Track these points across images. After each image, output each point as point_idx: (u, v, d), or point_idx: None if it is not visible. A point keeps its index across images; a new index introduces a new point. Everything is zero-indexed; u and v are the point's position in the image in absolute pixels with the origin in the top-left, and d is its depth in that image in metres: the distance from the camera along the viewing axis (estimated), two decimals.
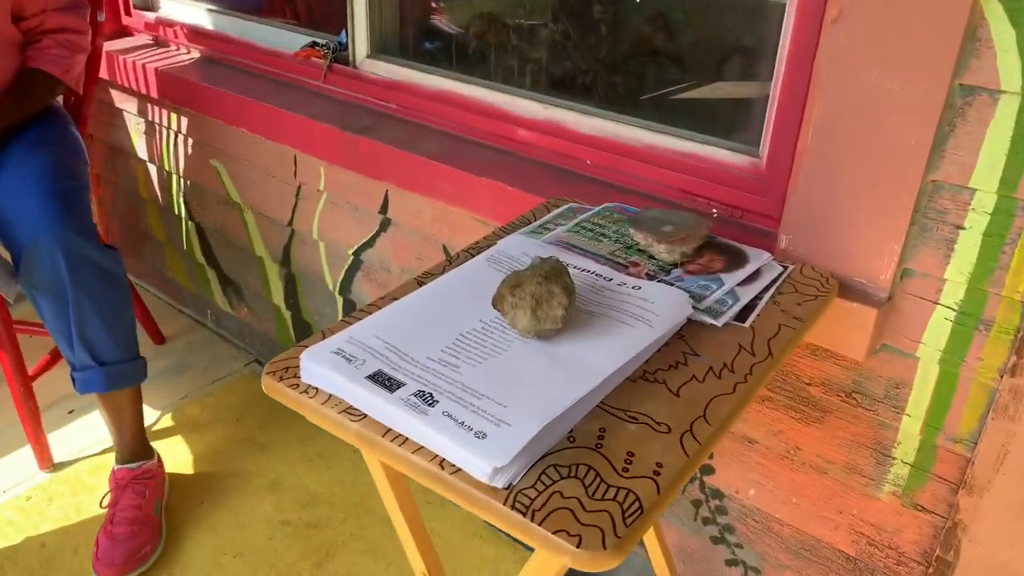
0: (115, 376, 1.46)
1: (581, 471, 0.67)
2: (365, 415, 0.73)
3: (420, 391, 0.72)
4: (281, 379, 0.79)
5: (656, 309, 0.84)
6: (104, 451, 1.74)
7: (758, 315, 0.88)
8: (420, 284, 0.91)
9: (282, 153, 1.68)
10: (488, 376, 0.74)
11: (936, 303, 0.95)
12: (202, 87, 1.74)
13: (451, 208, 1.40)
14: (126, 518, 1.45)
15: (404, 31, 1.60)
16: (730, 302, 0.89)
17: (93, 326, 1.39)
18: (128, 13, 2.05)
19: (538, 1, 1.46)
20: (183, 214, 2.06)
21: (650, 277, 0.92)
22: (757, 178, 1.12)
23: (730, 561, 1.29)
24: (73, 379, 1.46)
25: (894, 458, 1.06)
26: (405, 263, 1.57)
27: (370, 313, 0.85)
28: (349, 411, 0.74)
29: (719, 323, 0.86)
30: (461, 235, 1.42)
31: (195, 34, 1.89)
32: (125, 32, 2.07)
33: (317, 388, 0.76)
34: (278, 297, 1.93)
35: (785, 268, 0.97)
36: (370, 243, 1.62)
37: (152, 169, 2.08)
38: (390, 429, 0.71)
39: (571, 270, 0.92)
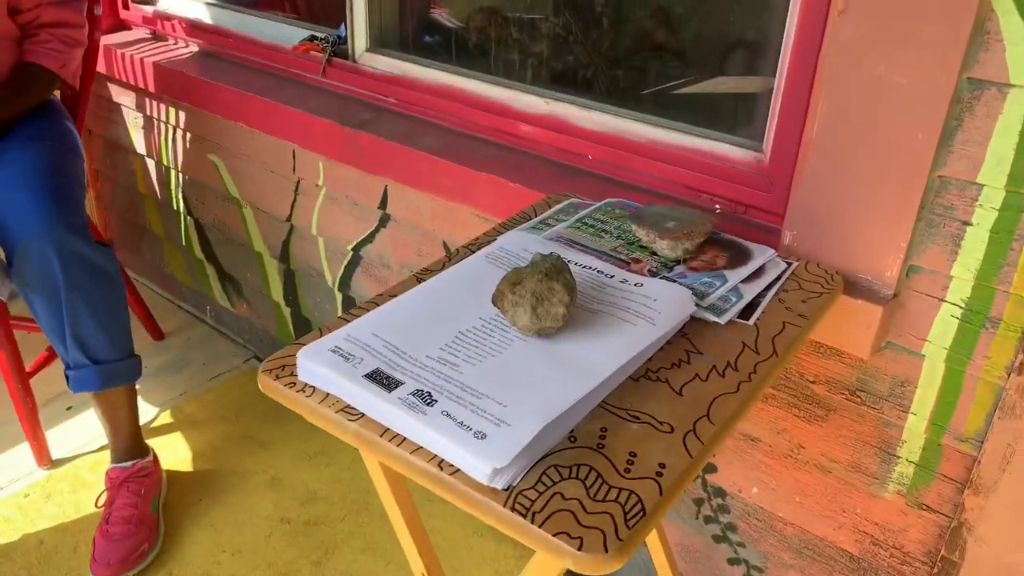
0: (109, 374, 1.45)
1: (582, 472, 0.66)
2: (363, 414, 0.72)
3: (419, 390, 0.70)
4: (278, 378, 0.77)
5: (658, 306, 0.83)
6: (102, 448, 1.72)
7: (762, 312, 0.87)
8: (419, 281, 0.90)
9: (281, 148, 1.67)
10: (488, 375, 0.73)
11: (942, 300, 0.94)
12: (200, 81, 1.72)
13: (451, 204, 1.39)
14: (122, 517, 1.44)
15: (404, 25, 1.59)
16: (734, 299, 0.88)
17: (86, 324, 1.38)
18: (126, 7, 2.03)
19: None
20: (182, 209, 2.05)
21: (652, 274, 0.91)
22: (761, 173, 1.11)
23: (732, 560, 1.28)
24: (67, 377, 1.45)
25: (899, 457, 1.04)
26: (405, 259, 1.56)
27: (368, 310, 0.83)
28: (347, 410, 0.72)
29: (722, 321, 0.84)
30: (461, 231, 1.41)
31: (193, 28, 1.87)
32: (123, 26, 2.05)
33: (314, 387, 0.75)
34: (277, 293, 1.92)
35: (789, 265, 0.96)
36: (369, 239, 1.61)
37: (151, 164, 2.07)
38: (388, 429, 0.70)
39: (572, 267, 0.90)
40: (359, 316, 0.82)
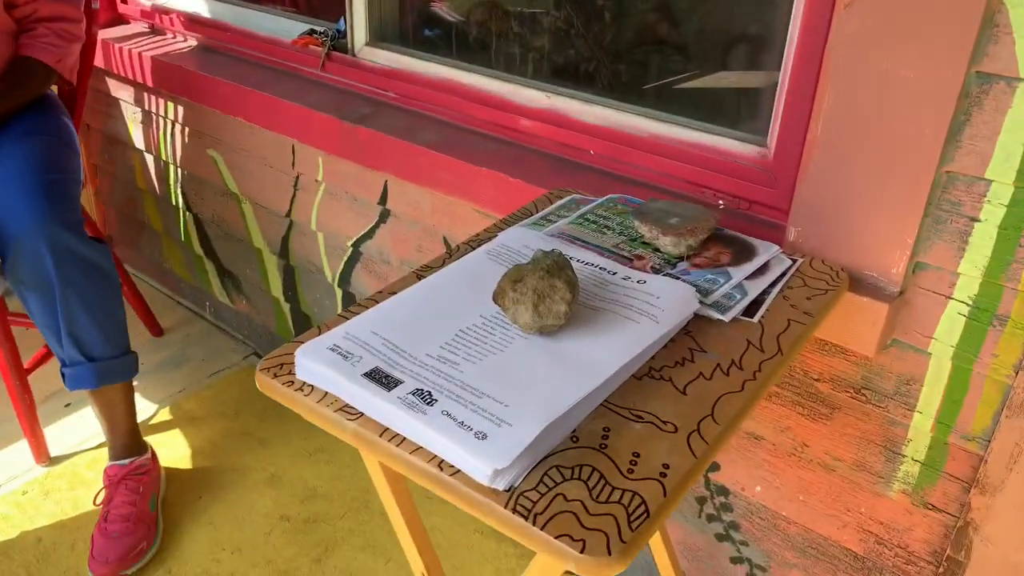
0: (105, 372, 1.44)
1: (585, 472, 0.65)
2: (362, 414, 0.71)
3: (418, 389, 0.69)
4: (276, 376, 0.76)
5: (662, 304, 0.81)
6: (101, 445, 1.71)
7: (767, 310, 0.86)
8: (419, 278, 0.89)
9: (280, 143, 1.66)
10: (488, 374, 0.71)
11: (949, 298, 0.93)
12: (199, 75, 1.71)
13: (451, 199, 1.38)
14: (120, 515, 1.43)
15: (404, 18, 1.57)
16: (738, 296, 0.86)
17: (81, 322, 1.37)
18: (124, 1, 2.02)
19: None
20: (181, 205, 2.04)
21: (655, 271, 0.90)
22: (765, 168, 1.10)
23: (735, 559, 1.27)
24: (63, 375, 1.44)
25: (904, 456, 1.03)
26: (405, 255, 1.55)
27: (367, 308, 0.82)
28: (346, 409, 0.71)
29: (727, 318, 0.83)
30: (461, 227, 1.39)
31: (191, 21, 1.86)
32: (121, 20, 2.04)
33: (313, 386, 0.74)
34: (277, 289, 1.91)
35: (794, 261, 0.95)
36: (369, 234, 1.60)
37: (149, 159, 2.06)
38: (388, 428, 0.69)
39: (574, 263, 0.89)
40: (358, 314, 0.81)
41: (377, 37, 1.57)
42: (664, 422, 0.70)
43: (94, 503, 1.52)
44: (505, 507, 0.62)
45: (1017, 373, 0.91)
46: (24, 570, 1.44)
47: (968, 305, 0.92)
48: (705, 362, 0.78)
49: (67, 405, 1.84)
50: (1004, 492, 0.95)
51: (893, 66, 0.86)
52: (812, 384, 1.08)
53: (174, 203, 2.06)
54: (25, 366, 1.63)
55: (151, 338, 2.09)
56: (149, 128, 1.99)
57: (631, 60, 1.33)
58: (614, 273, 0.87)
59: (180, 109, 1.86)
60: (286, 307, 1.91)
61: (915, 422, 1.01)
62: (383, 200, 1.52)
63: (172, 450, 1.72)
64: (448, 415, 0.66)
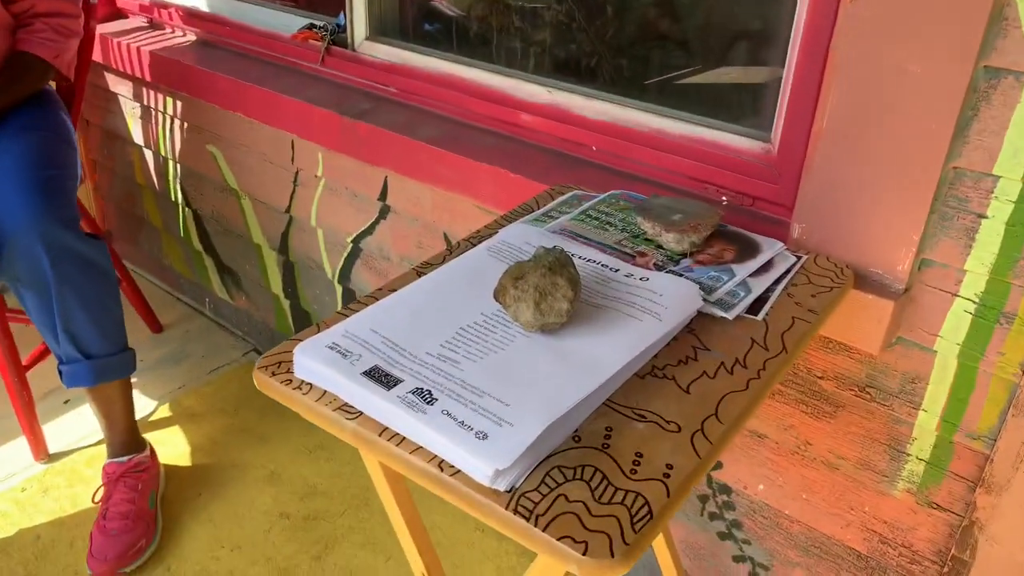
0: (102, 369, 1.43)
1: (587, 473, 0.64)
2: (361, 413, 0.70)
3: (418, 388, 0.68)
4: (274, 375, 0.76)
5: (665, 301, 0.80)
6: (100, 442, 1.70)
7: (771, 307, 0.85)
8: (419, 275, 0.88)
9: (279, 138, 1.65)
10: (489, 372, 0.70)
11: (955, 295, 0.92)
12: (197, 70, 1.70)
13: (452, 195, 1.37)
14: (119, 512, 1.42)
15: (404, 12, 1.56)
16: (742, 294, 0.85)
17: (78, 319, 1.36)
18: None
19: None
20: (180, 200, 2.03)
21: (658, 268, 0.89)
22: (769, 164, 1.09)
23: (737, 557, 1.26)
24: (60, 372, 1.43)
25: (909, 454, 1.02)
26: (405, 251, 1.54)
27: (367, 305, 0.81)
28: (345, 408, 0.70)
29: (730, 316, 0.82)
30: (462, 223, 1.38)
31: (190, 16, 1.84)
32: (119, 14, 2.03)
33: (311, 384, 0.73)
34: (276, 285, 1.90)
35: (798, 258, 0.94)
36: (369, 230, 1.59)
37: (148, 155, 2.05)
38: (387, 428, 0.68)
39: (576, 260, 0.88)
40: (357, 311, 0.80)
41: (377, 32, 1.56)
42: (667, 421, 0.69)
43: (93, 501, 1.52)
44: (506, 508, 0.61)
45: None
46: (23, 568, 1.44)
47: (974, 303, 0.91)
48: (709, 360, 0.77)
49: (66, 402, 1.83)
50: (1010, 491, 0.94)
51: (900, 60, 0.85)
52: (816, 382, 1.07)
53: (173, 199, 2.05)
54: (23, 363, 1.63)
55: (150, 335, 2.08)
56: (148, 123, 1.98)
57: (633, 55, 1.31)
58: (616, 270, 0.86)
59: (179, 104, 1.85)
60: (286, 303, 1.90)
61: (920, 421, 1.00)
62: (383, 196, 1.51)
63: (171, 447, 1.72)
64: (448, 414, 0.65)
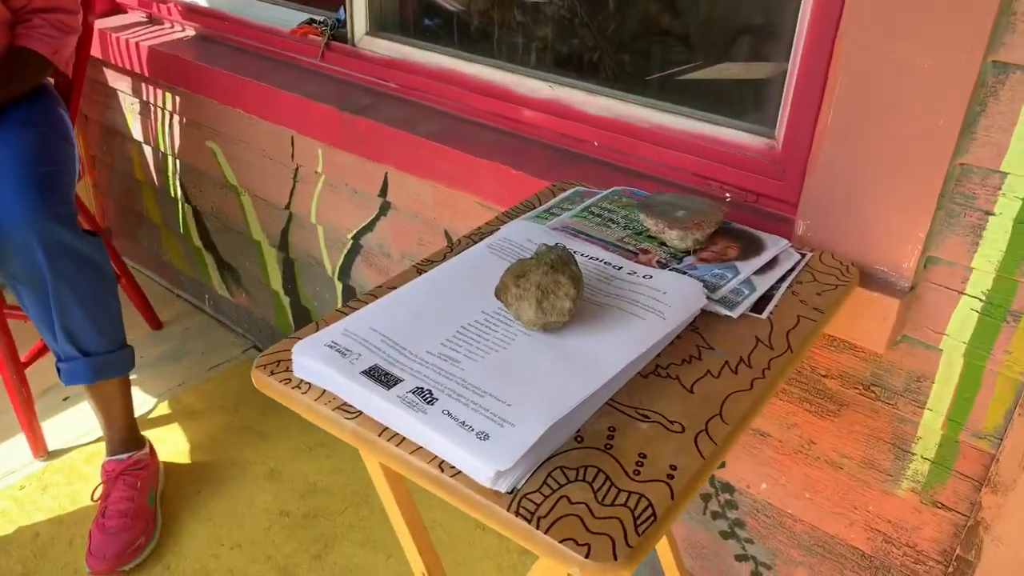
0: (100, 367, 1.42)
1: (590, 474, 0.63)
2: (361, 412, 0.69)
3: (418, 388, 0.67)
4: (272, 373, 0.75)
5: (668, 300, 0.79)
6: (99, 439, 1.69)
7: (775, 306, 0.84)
8: (420, 272, 0.87)
9: (279, 134, 1.64)
10: (491, 372, 0.69)
11: (962, 293, 0.91)
12: (196, 66, 1.69)
13: (453, 191, 1.36)
14: (118, 511, 1.42)
15: (404, 7, 1.55)
16: (746, 292, 0.84)
17: (75, 316, 1.35)
18: None
19: None
20: (179, 196, 2.02)
21: (661, 265, 0.88)
22: (773, 160, 1.08)
23: (740, 556, 1.25)
24: (58, 370, 1.43)
25: (914, 454, 1.01)
26: (405, 248, 1.53)
27: (367, 303, 0.80)
28: (344, 408, 0.70)
29: (735, 314, 0.81)
30: (463, 219, 1.37)
31: (189, 11, 1.83)
32: (118, 9, 2.01)
33: (310, 383, 0.72)
34: (276, 282, 1.89)
35: (803, 256, 0.93)
36: (369, 227, 1.58)
37: (147, 151, 2.04)
38: (387, 428, 0.67)
39: (578, 258, 0.87)
40: (357, 309, 0.79)
41: (377, 26, 1.55)
42: (671, 422, 0.68)
43: (92, 498, 1.51)
44: (507, 510, 0.60)
45: None
46: (21, 565, 1.43)
47: (981, 301, 0.90)
48: (713, 359, 0.76)
49: (65, 399, 1.82)
50: (1016, 491, 0.93)
51: (907, 55, 0.84)
52: (820, 380, 1.06)
53: (173, 195, 2.04)
54: (22, 359, 1.62)
55: (150, 331, 2.08)
56: (147, 119, 1.97)
57: (636, 50, 1.30)
58: (619, 268, 0.85)
59: (178, 100, 1.84)
60: (286, 300, 1.89)
61: (925, 419, 0.99)
62: (383, 192, 1.50)
63: (171, 444, 1.71)
64: (449, 414, 0.65)
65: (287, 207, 1.73)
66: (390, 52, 1.50)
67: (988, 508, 0.96)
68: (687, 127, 1.16)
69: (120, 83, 1.98)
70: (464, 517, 1.54)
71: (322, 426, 0.71)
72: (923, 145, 0.86)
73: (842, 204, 0.94)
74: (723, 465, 1.20)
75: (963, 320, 0.92)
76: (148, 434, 1.62)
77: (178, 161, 1.96)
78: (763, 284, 0.86)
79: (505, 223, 0.97)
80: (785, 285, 0.87)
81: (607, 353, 0.72)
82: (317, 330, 0.76)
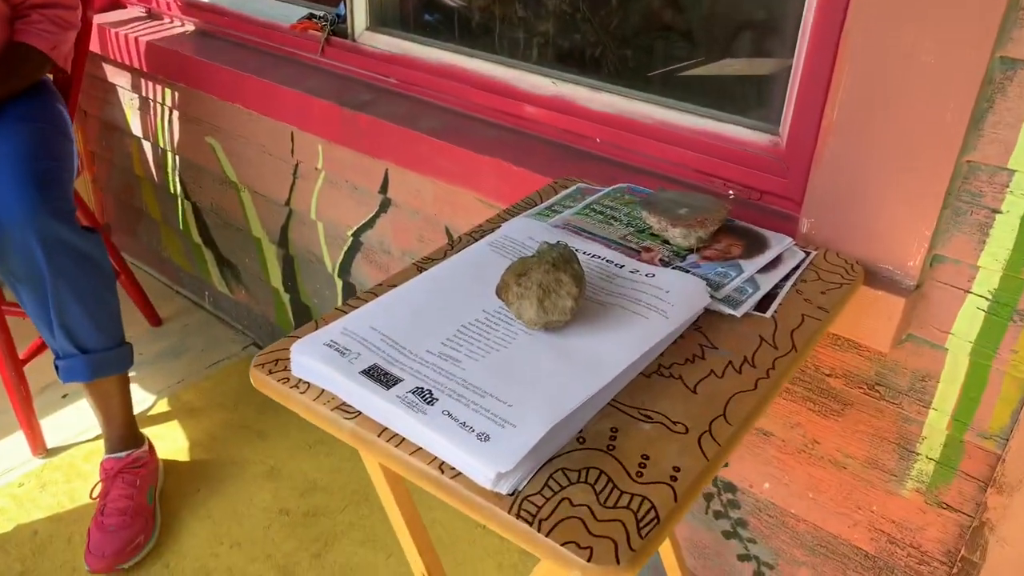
0: (99, 364, 1.41)
1: (592, 476, 0.62)
2: (360, 412, 0.68)
3: (418, 388, 0.66)
4: (271, 372, 0.74)
5: (671, 298, 0.78)
6: (98, 436, 1.68)
7: (780, 304, 0.83)
8: (420, 270, 0.86)
9: (279, 130, 1.63)
10: (491, 371, 0.69)
11: (968, 292, 0.90)
12: (196, 61, 1.68)
13: (454, 188, 1.35)
14: (117, 509, 1.41)
15: (405, 2, 1.54)
16: (750, 290, 0.83)
17: (73, 313, 1.34)
18: None
19: None
20: (179, 192, 2.01)
21: (664, 263, 0.87)
22: (777, 157, 1.06)
23: (742, 556, 1.24)
24: (56, 367, 1.42)
25: (918, 454, 1.00)
26: (406, 245, 1.52)
27: (366, 302, 0.79)
28: (343, 408, 0.69)
29: (738, 313, 0.80)
30: (464, 216, 1.36)
31: (189, 6, 1.82)
32: (118, 4, 2.00)
33: (309, 383, 0.71)
34: (276, 279, 1.88)
35: (807, 254, 0.92)
36: (370, 224, 1.57)
37: (147, 146, 2.03)
38: (386, 428, 0.66)
39: (580, 256, 0.86)
40: (356, 308, 0.78)
41: (378, 21, 1.54)
42: (674, 422, 0.67)
43: (91, 496, 1.50)
44: (508, 512, 0.59)
45: None
46: (20, 564, 1.42)
47: (987, 299, 0.89)
48: (716, 359, 0.75)
49: (64, 396, 1.81)
50: (1022, 492, 0.92)
51: (914, 50, 0.83)
52: (824, 379, 1.05)
53: (172, 191, 2.03)
54: (21, 356, 1.61)
55: (149, 328, 2.07)
56: (146, 114, 1.96)
57: (638, 45, 1.29)
58: (621, 266, 0.84)
59: (177, 95, 1.83)
60: (285, 297, 1.88)
61: (930, 419, 0.98)
62: (384, 189, 1.49)
63: (170, 442, 1.70)
64: (449, 415, 0.64)
65: (287, 203, 1.72)
66: (391, 47, 1.49)
67: (993, 509, 0.95)
68: (690, 123, 1.15)
69: (119, 78, 1.97)
70: (464, 516, 1.53)
71: (321, 426, 0.71)
72: (929, 142, 0.85)
73: (847, 201, 0.93)
74: (726, 464, 1.20)
75: (969, 319, 0.91)
76: (147, 431, 1.62)
77: (177, 157, 1.95)
78: (767, 282, 0.85)
79: (506, 220, 0.96)
80: (789, 283, 0.86)
81: (609, 353, 0.71)
82: (316, 329, 0.75)
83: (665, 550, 1.17)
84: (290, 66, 1.61)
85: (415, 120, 1.36)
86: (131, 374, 1.53)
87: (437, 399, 0.65)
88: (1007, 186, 0.84)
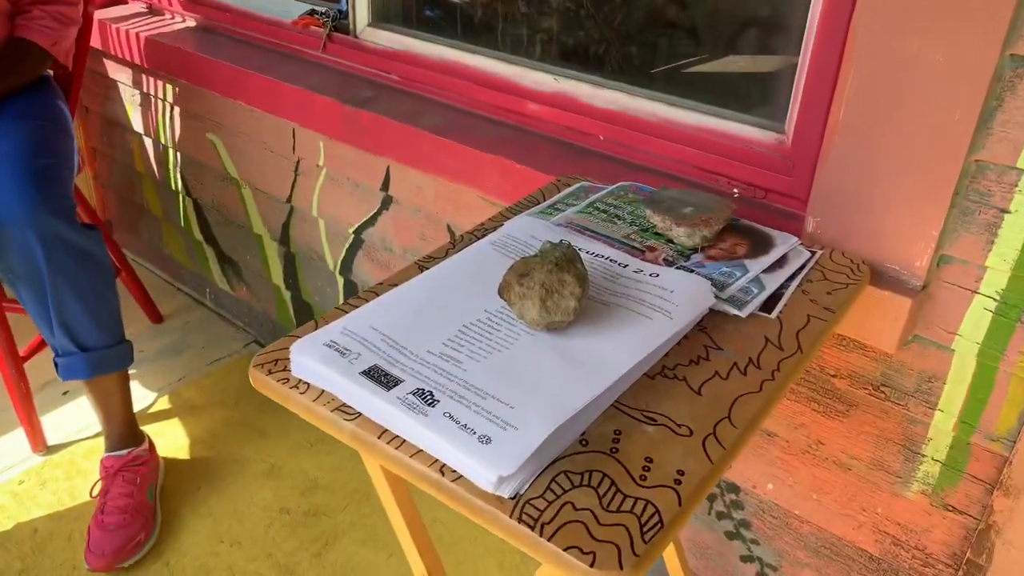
0: (98, 362, 1.40)
1: (595, 479, 0.61)
2: (360, 414, 0.67)
3: (419, 389, 0.66)
4: (270, 372, 0.73)
5: (675, 299, 0.78)
6: (99, 434, 1.67)
7: (785, 305, 0.82)
8: (421, 269, 0.85)
9: (280, 127, 1.62)
10: (493, 373, 0.68)
11: (975, 292, 0.89)
12: (197, 57, 1.67)
13: (455, 186, 1.34)
14: (117, 507, 1.40)
15: None
16: (755, 291, 0.82)
17: (73, 311, 1.34)
18: None
19: None
20: (180, 189, 2.00)
21: (668, 263, 0.86)
22: (782, 156, 1.05)
23: (745, 557, 1.24)
24: (56, 365, 1.41)
25: (924, 455, 1.00)
26: (408, 243, 1.51)
27: (367, 301, 0.78)
28: (343, 409, 0.68)
29: (743, 314, 0.79)
30: (466, 214, 1.35)
31: (190, 1, 1.81)
32: None
33: (309, 383, 0.71)
34: (277, 276, 1.87)
35: (813, 254, 0.91)
36: (371, 221, 1.56)
37: (148, 143, 2.02)
38: (387, 430, 0.65)
39: (583, 255, 0.85)
40: (357, 307, 0.77)
41: (380, 18, 1.53)
42: (678, 425, 0.67)
43: (90, 495, 1.50)
44: (510, 516, 0.58)
45: None
46: (20, 562, 1.42)
47: (995, 300, 0.88)
48: (721, 360, 0.74)
49: (65, 393, 1.81)
50: None
51: (922, 47, 0.82)
52: (829, 380, 1.04)
53: (173, 187, 2.02)
54: (21, 353, 1.61)
55: (150, 325, 2.06)
56: (148, 111, 1.95)
57: (642, 42, 1.28)
58: (625, 266, 0.83)
59: (179, 91, 1.82)
60: (287, 295, 1.88)
61: (936, 421, 0.97)
62: (385, 186, 1.48)
63: (171, 439, 1.69)
64: (450, 417, 0.63)
65: (288, 200, 1.72)
66: (392, 44, 1.48)
67: (1000, 512, 0.94)
68: (695, 121, 1.14)
69: (120, 74, 1.96)
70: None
71: (321, 427, 0.70)
72: (937, 141, 0.84)
73: (853, 201, 0.92)
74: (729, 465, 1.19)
75: (976, 320, 0.90)
76: (148, 429, 1.61)
77: (179, 153, 1.94)
78: (772, 283, 0.84)
79: (509, 218, 0.95)
80: (795, 284, 0.85)
81: (613, 354, 0.70)
82: (316, 328, 0.74)
83: (667, 551, 1.16)
84: (292, 62, 1.60)
85: (417, 117, 1.35)
86: (132, 371, 1.52)
87: (438, 401, 0.64)
88: (1016, 185, 0.83)
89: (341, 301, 1.73)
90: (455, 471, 0.61)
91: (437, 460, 0.62)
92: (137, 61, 1.81)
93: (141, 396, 1.80)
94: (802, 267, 0.88)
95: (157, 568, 1.41)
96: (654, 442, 0.65)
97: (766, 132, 1.08)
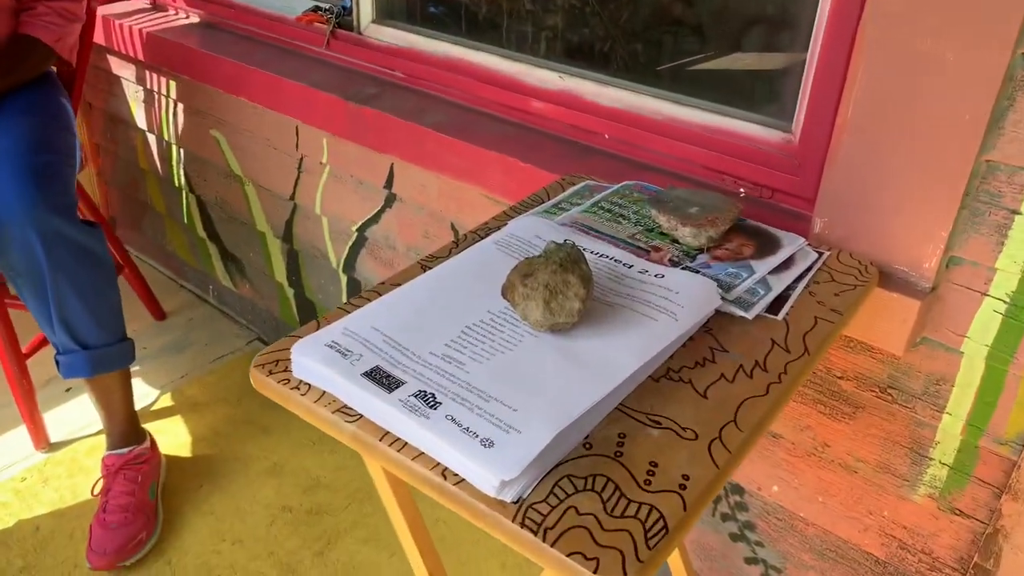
0: (100, 360, 1.40)
1: (599, 483, 0.60)
2: (361, 415, 0.66)
3: (421, 391, 0.65)
4: (271, 373, 0.72)
5: (681, 300, 0.77)
6: (101, 431, 1.67)
7: (792, 306, 0.81)
8: (424, 268, 0.84)
9: (284, 123, 1.61)
10: (496, 375, 0.67)
11: (985, 294, 0.88)
12: (201, 53, 1.66)
13: (459, 184, 1.33)
14: (119, 505, 1.40)
15: None
16: (761, 292, 0.82)
17: (73, 308, 1.33)
18: None
19: None
20: (183, 186, 1.99)
21: (674, 264, 0.85)
22: (790, 155, 1.04)
23: (750, 559, 1.23)
24: (57, 363, 1.40)
25: (931, 459, 0.98)
26: (411, 241, 1.50)
27: (369, 301, 0.78)
28: (344, 410, 0.67)
29: (750, 316, 0.78)
30: (470, 212, 1.34)
31: None
32: None
33: (310, 384, 0.70)
34: (280, 274, 1.86)
35: (820, 255, 0.90)
36: (375, 219, 1.55)
37: (151, 139, 2.01)
38: (388, 432, 0.65)
39: (587, 255, 0.84)
40: (359, 307, 0.76)
41: (384, 14, 1.52)
42: (683, 428, 0.66)
43: (92, 493, 1.49)
44: (513, 520, 0.58)
45: None
46: (21, 559, 1.41)
47: (1005, 303, 0.87)
48: (727, 363, 0.73)
49: (67, 390, 1.80)
50: None
51: (932, 46, 0.81)
52: (835, 382, 1.03)
53: (176, 184, 2.01)
54: (24, 350, 1.60)
55: (153, 322, 2.06)
56: (151, 107, 1.95)
57: (648, 40, 1.27)
58: (630, 266, 0.83)
59: (182, 88, 1.82)
60: (290, 292, 1.87)
61: (944, 424, 0.96)
62: (389, 184, 1.47)
63: (173, 437, 1.69)
64: (452, 420, 0.62)
65: (291, 198, 1.71)
66: (396, 40, 1.47)
67: (1008, 516, 0.93)
68: (700, 120, 1.13)
69: (124, 71, 1.95)
70: None
71: (322, 428, 0.69)
72: (947, 141, 0.83)
73: (861, 201, 0.91)
74: None
75: (986, 322, 0.88)
76: (150, 426, 1.61)
77: (182, 150, 1.93)
78: (779, 284, 0.83)
79: (513, 217, 0.95)
80: (802, 285, 0.84)
81: (617, 356, 0.69)
82: (317, 328, 0.74)
83: (671, 552, 1.15)
84: (295, 59, 1.59)
85: (421, 114, 1.34)
86: (134, 368, 1.51)
87: (440, 403, 0.64)
88: None
89: (344, 299, 1.72)
90: (457, 475, 0.60)
91: (439, 463, 0.62)
92: (140, 57, 1.80)
93: (143, 393, 1.79)
94: (809, 268, 0.87)
95: (159, 566, 1.41)
96: (659, 446, 0.64)
97: (773, 131, 1.07)
